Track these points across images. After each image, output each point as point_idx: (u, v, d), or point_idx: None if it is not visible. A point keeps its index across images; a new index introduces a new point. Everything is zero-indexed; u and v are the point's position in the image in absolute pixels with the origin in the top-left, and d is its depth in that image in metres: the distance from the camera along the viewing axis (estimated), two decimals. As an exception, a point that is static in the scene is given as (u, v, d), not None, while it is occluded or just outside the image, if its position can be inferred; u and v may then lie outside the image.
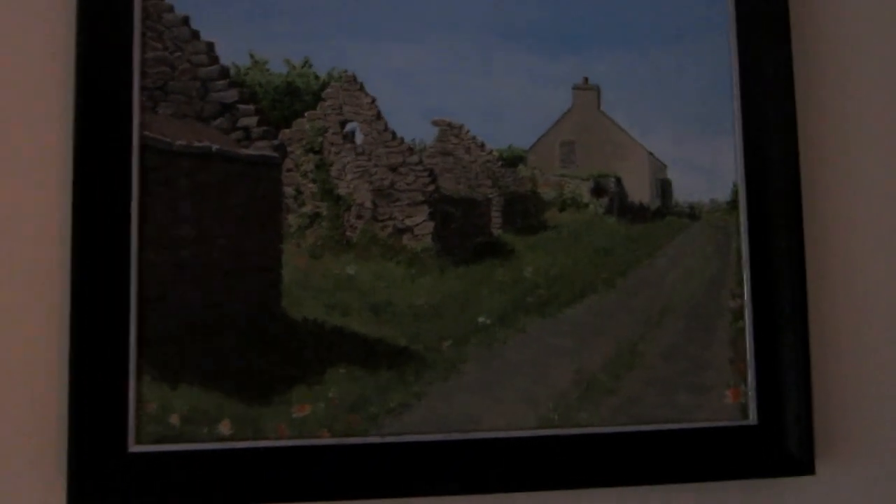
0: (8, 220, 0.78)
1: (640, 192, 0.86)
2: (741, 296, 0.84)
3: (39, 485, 0.76)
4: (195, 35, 0.83)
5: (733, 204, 0.85)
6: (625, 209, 0.86)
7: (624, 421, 0.81)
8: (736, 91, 0.86)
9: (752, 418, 0.83)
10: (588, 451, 0.80)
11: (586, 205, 0.85)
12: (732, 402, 0.83)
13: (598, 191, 0.85)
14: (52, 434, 0.76)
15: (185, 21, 0.82)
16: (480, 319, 0.81)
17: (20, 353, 0.77)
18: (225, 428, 0.77)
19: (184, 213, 0.79)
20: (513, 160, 0.84)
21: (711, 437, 0.82)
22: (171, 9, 0.82)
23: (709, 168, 0.85)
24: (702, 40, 0.86)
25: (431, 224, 0.82)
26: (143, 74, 0.81)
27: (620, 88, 0.85)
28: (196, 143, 0.80)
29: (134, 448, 0.76)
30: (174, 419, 0.77)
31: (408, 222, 0.82)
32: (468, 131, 0.83)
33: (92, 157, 0.78)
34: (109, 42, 0.80)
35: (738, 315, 0.84)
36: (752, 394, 0.83)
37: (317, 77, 0.83)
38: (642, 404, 0.81)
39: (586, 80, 0.85)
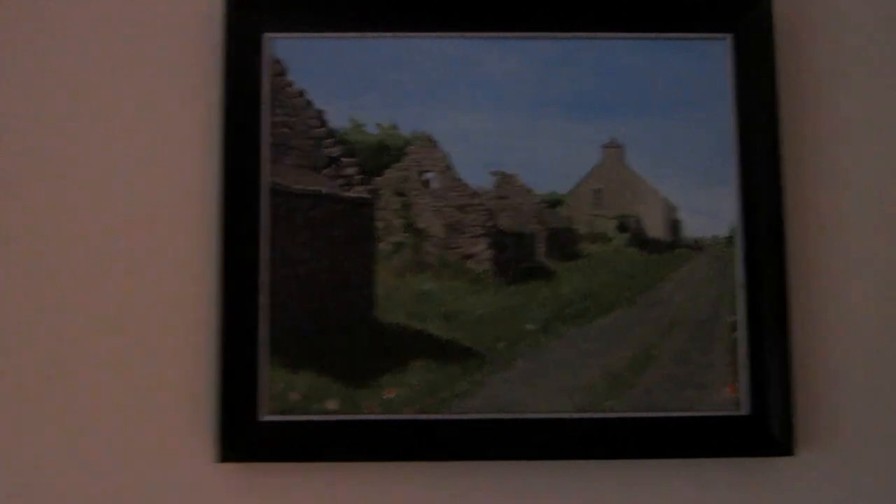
0: (174, 248, 1.13)
1: (655, 228, 1.18)
2: (736, 312, 1.15)
3: (195, 445, 1.10)
4: (309, 104, 1.18)
5: (730, 239, 1.16)
6: (643, 242, 1.18)
7: (641, 408, 1.12)
8: (734, 149, 1.18)
9: (745, 409, 1.13)
10: (612, 431, 1.11)
11: (612, 238, 1.18)
12: (730, 395, 1.14)
13: (622, 227, 1.18)
14: (205, 407, 1.10)
15: (301, 94, 1.18)
16: (528, 326, 1.14)
17: (184, 348, 1.11)
18: (332, 404, 1.11)
19: (300, 240, 1.14)
20: (554, 203, 1.17)
21: (711, 424, 1.12)
22: (290, 84, 1.18)
23: (711, 210, 1.17)
24: (707, 108, 1.18)
25: (490, 252, 1.16)
26: (271, 134, 1.16)
27: (641, 146, 1.18)
28: (310, 188, 1.16)
29: (264, 417, 1.10)
30: (295, 396, 1.11)
31: (471, 250, 1.16)
32: (519, 180, 1.17)
33: (234, 198, 1.13)
34: (246, 111, 1.15)
35: (734, 327, 1.15)
36: (744, 390, 1.14)
37: (401, 137, 1.18)
38: (656, 396, 1.13)
39: (613, 140, 1.18)
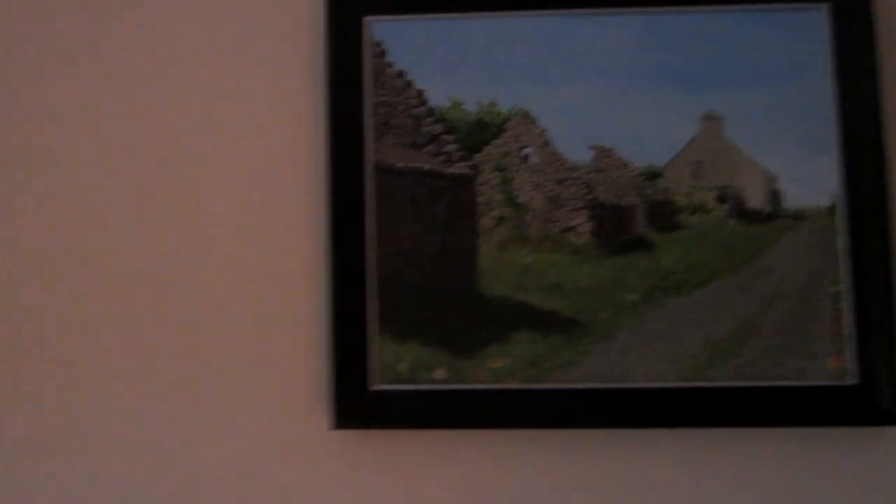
0: (286, 226, 1.20)
1: (755, 199, 1.20)
2: (840, 283, 1.17)
3: (312, 414, 1.17)
4: (409, 84, 1.23)
5: (832, 209, 1.18)
6: (743, 213, 1.20)
7: (744, 378, 1.15)
8: (835, 118, 1.19)
9: (851, 379, 1.15)
10: (715, 400, 1.14)
11: (712, 210, 1.20)
12: (835, 366, 1.16)
13: (721, 199, 1.21)
14: (320, 378, 1.16)
15: (401, 74, 1.23)
16: (629, 297, 1.18)
17: (298, 322, 1.17)
18: (439, 374, 1.16)
19: (405, 216, 1.19)
20: (652, 175, 1.20)
21: (817, 394, 1.14)
22: (391, 65, 1.23)
23: (812, 180, 1.19)
24: (806, 78, 1.20)
25: (590, 224, 1.20)
26: (373, 115, 1.22)
27: (739, 117, 1.20)
28: (412, 165, 1.21)
29: (374, 387, 1.16)
30: (403, 367, 1.17)
31: (571, 223, 1.20)
32: (616, 153, 1.20)
33: (340, 176, 1.19)
34: (349, 93, 1.21)
35: (837, 298, 1.17)
36: (851, 359, 1.15)
37: (500, 114, 1.22)
38: (759, 366, 1.15)
39: (711, 111, 1.21)
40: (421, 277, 1.14)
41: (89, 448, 1.16)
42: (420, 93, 1.18)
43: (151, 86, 1.20)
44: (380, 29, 1.17)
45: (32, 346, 1.17)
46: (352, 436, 1.12)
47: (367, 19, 1.17)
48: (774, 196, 1.15)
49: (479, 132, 1.18)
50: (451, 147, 1.17)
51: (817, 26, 1.15)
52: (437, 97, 1.18)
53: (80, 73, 1.21)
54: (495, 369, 1.12)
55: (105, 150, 1.20)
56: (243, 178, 1.18)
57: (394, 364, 1.12)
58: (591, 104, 1.17)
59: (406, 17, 1.18)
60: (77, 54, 1.22)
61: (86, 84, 1.21)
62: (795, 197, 1.15)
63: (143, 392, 1.16)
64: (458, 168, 1.16)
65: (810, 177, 1.14)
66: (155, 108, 1.20)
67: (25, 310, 1.18)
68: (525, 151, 1.17)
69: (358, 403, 1.11)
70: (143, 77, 1.21)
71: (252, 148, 1.18)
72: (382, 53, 1.18)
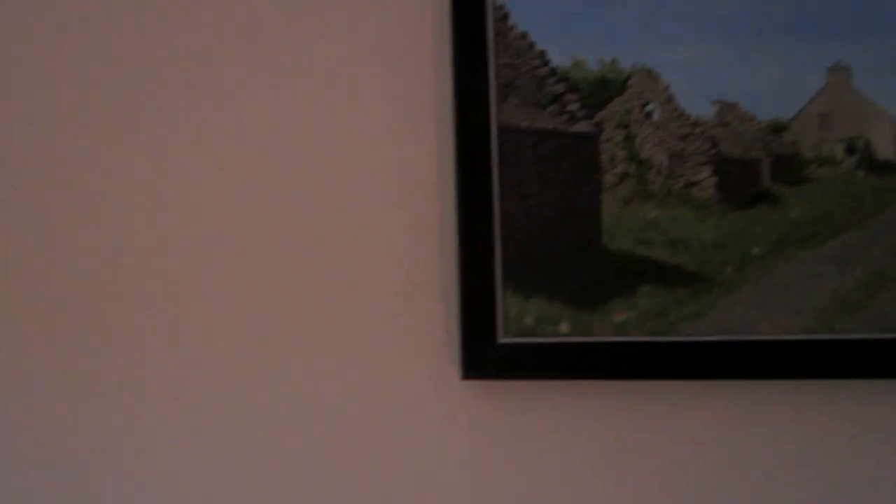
0: (416, 183, 1.27)
1: (885, 150, 1.20)
2: None
3: (442, 365, 1.24)
4: (531, 46, 1.27)
5: None
6: (872, 165, 1.20)
7: (874, 330, 1.16)
8: (971, 64, 1.17)
9: None
10: (842, 352, 1.16)
11: (840, 162, 1.20)
12: None
13: (850, 150, 1.21)
14: (450, 330, 1.23)
15: (523, 36, 1.28)
16: (755, 251, 1.20)
17: (429, 277, 1.25)
18: (564, 327, 1.22)
19: (528, 174, 1.24)
20: (778, 128, 1.21)
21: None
22: (513, 28, 1.27)
23: None
24: (939, 23, 1.18)
25: (714, 179, 1.22)
26: (497, 76, 1.27)
27: (868, 67, 1.19)
28: (536, 125, 1.26)
29: (502, 339, 1.22)
30: (528, 320, 1.22)
31: (695, 178, 1.23)
32: (741, 107, 1.22)
33: (467, 137, 1.25)
34: (473, 55, 1.26)
35: None
36: None
37: (622, 71, 1.25)
38: (888, 318, 1.16)
39: (838, 62, 1.20)
40: (545, 234, 1.19)
41: (224, 406, 1.27)
42: (542, 53, 1.22)
43: (279, 43, 1.28)
44: (501, -8, 1.22)
45: (189, 329, 1.29)
46: (480, 386, 1.19)
47: (490, -17, 1.21)
48: (906, 147, 1.14)
49: (602, 90, 1.22)
50: (574, 106, 1.21)
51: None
52: (559, 57, 1.22)
53: (202, 66, 1.31)
54: (619, 323, 1.17)
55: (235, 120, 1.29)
56: (374, 139, 1.25)
57: (519, 318, 1.18)
58: (714, 59, 1.18)
59: (527, -22, 1.22)
60: (193, 49, 1.31)
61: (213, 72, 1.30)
62: (929, 148, 1.14)
63: (275, 342, 1.26)
64: (581, 126, 1.20)
65: (945, 126, 1.12)
66: (284, 71, 1.28)
67: (166, 285, 1.30)
68: (648, 108, 1.20)
69: (486, 355, 1.18)
70: (271, 37, 1.29)
71: (381, 111, 1.25)
72: (505, 17, 1.22)
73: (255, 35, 1.31)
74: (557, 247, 1.19)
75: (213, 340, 1.29)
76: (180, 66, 1.34)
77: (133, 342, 1.33)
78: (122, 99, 1.35)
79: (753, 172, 1.18)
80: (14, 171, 1.40)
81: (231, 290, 1.29)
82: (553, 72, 1.21)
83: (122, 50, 1.36)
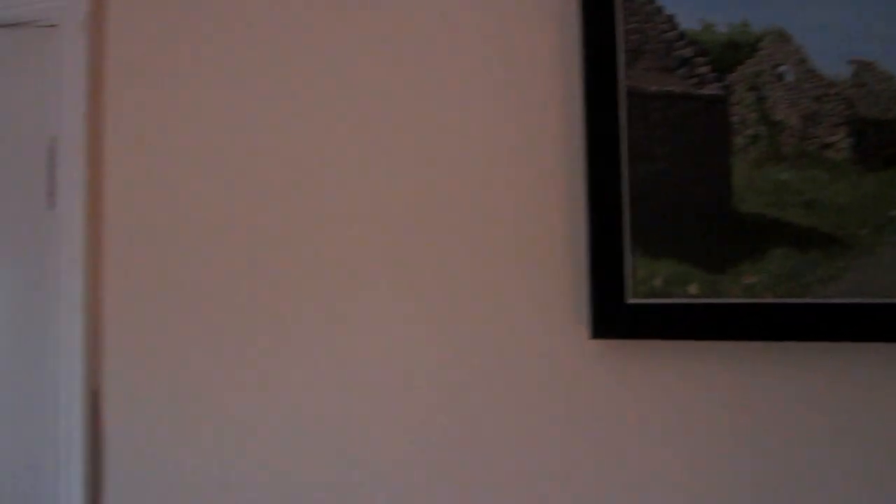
0: (547, 147, 1.31)
1: None
2: None
3: (573, 325, 1.29)
4: (659, 10, 1.29)
5: None
6: None
7: None
8: None
9: None
10: None
11: None
12: None
13: None
14: (581, 291, 1.28)
15: (651, 1, 1.30)
16: (891, 213, 1.19)
17: (560, 239, 1.29)
18: (693, 289, 1.24)
19: (657, 138, 1.27)
20: None
21: None
22: None
23: None
24: None
25: (849, 140, 1.22)
26: (625, 41, 1.29)
27: None
28: (664, 88, 1.28)
29: (630, 300, 1.25)
30: (657, 282, 1.25)
31: (830, 139, 1.23)
32: (879, 66, 1.21)
33: (595, 101, 1.27)
34: (601, 21, 1.29)
35: None
36: None
37: (752, 33, 1.26)
38: None
39: None
40: (674, 196, 1.21)
41: (370, 366, 1.35)
42: (670, 18, 1.24)
43: (420, 25, 1.34)
44: (629, -43, 1.24)
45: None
46: (608, 345, 1.23)
47: (617, -51, 1.24)
48: None
49: (731, 53, 1.23)
50: (703, 69, 1.23)
51: None
52: (688, 21, 1.23)
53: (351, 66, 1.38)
54: (749, 284, 1.18)
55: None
56: (503, 105, 1.29)
57: (648, 279, 1.21)
58: (849, 18, 1.17)
59: (653, -57, 1.23)
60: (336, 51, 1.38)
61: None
62: None
63: (414, 306, 1.32)
64: (710, 89, 1.22)
65: None
66: (421, 48, 1.34)
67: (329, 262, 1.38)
68: (780, 69, 1.20)
69: (615, 315, 1.21)
70: (414, 20, 1.35)
71: (508, 77, 1.29)
72: (632, -19, 1.24)
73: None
74: (686, 209, 1.21)
75: (359, 308, 1.37)
76: (343, 70, 1.41)
77: (294, 317, 1.43)
78: (289, 99, 1.44)
79: (891, 133, 1.17)
80: (194, 166, 1.51)
81: (376, 262, 1.37)
82: (681, 35, 1.23)
83: (284, 61, 1.44)
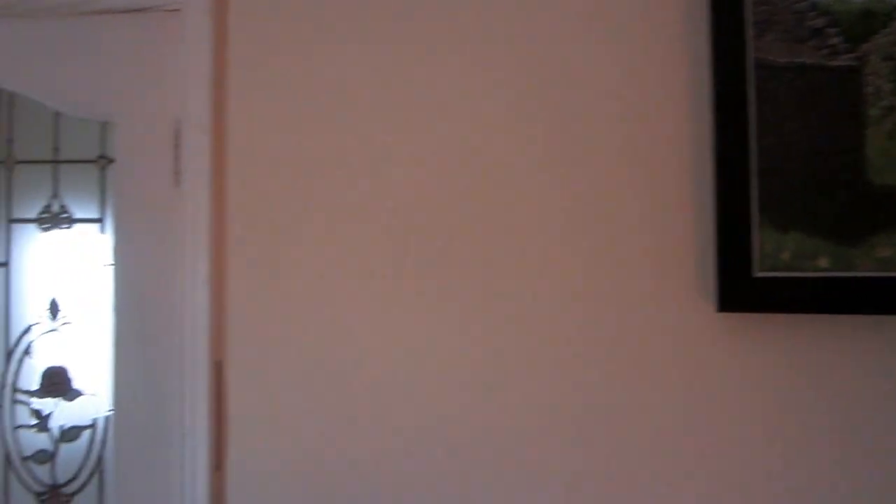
0: (672, 121, 1.32)
1: None
2: None
3: (699, 298, 1.29)
4: (788, -20, 1.29)
5: None
6: None
7: None
8: None
9: None
10: None
11: None
12: None
13: None
14: (707, 265, 1.29)
15: (780, -30, 1.29)
16: None
17: (687, 212, 1.30)
18: (822, 262, 1.24)
19: (786, 110, 1.26)
20: None
21: None
22: None
23: None
24: None
25: None
26: (753, 13, 1.29)
27: None
28: (795, 60, 1.27)
29: (757, 274, 1.26)
30: (785, 255, 1.25)
31: (971, 110, 1.20)
32: None
33: (723, 73, 1.28)
34: (727, -6, 1.29)
35: None
36: None
37: (889, 2, 1.24)
38: None
39: None
40: (803, 169, 1.21)
41: (505, 343, 1.39)
42: (800, -13, 1.23)
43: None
44: (756, -73, 1.24)
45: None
46: (735, 319, 1.24)
47: (743, -80, 1.24)
48: None
49: (866, 22, 1.22)
50: (835, 40, 1.22)
51: None
52: (820, -10, 1.22)
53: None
54: (883, 258, 1.18)
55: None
56: (633, 73, 1.31)
57: (775, 252, 1.22)
58: None
59: (783, -88, 1.23)
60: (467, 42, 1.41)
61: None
62: None
63: (546, 279, 1.36)
64: (842, 60, 1.21)
65: None
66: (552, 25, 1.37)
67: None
68: (917, 39, 1.19)
69: (742, 289, 1.22)
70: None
71: (640, 45, 1.31)
72: (760, -48, 1.24)
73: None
74: (817, 181, 1.21)
75: (488, 284, 1.41)
76: (488, 73, 1.45)
77: (418, 292, 1.48)
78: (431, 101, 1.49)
79: None
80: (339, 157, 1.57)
81: (511, 237, 1.40)
82: (813, 6, 1.23)
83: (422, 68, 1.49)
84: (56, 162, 1.70)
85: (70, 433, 1.68)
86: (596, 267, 1.31)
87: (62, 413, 1.68)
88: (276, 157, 1.52)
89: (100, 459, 1.66)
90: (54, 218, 1.69)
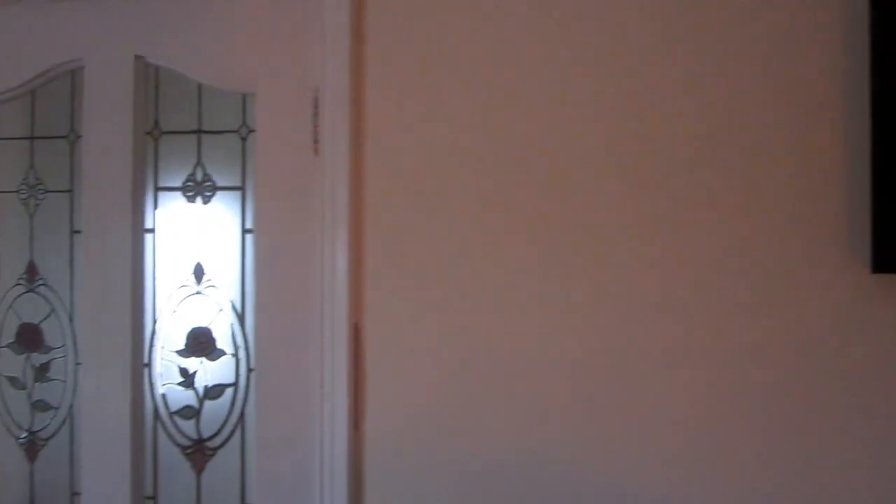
0: (827, 63, 1.33)
1: None
2: None
3: (852, 261, 1.32)
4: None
5: None
6: None
7: None
8: None
9: None
10: None
11: None
12: None
13: None
14: (861, 228, 1.31)
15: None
16: None
17: (843, 174, 1.32)
18: None
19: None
20: None
21: None
22: None
23: None
24: None
25: None
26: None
27: None
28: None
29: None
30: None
31: None
32: None
33: (882, 27, 1.28)
34: None
35: None
36: None
37: None
38: None
39: None
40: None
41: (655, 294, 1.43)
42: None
43: None
44: None
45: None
46: (890, 280, 1.25)
47: None
48: None
49: None
50: None
51: None
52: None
53: None
54: None
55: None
56: (787, 42, 1.33)
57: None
58: None
59: None
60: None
61: None
62: None
63: (701, 238, 1.40)
64: None
65: None
66: None
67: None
68: None
69: (896, 250, 1.23)
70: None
71: (791, 13, 1.32)
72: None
73: None
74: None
75: (636, 248, 1.46)
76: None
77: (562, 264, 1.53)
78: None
79: None
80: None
81: (650, 204, 1.45)
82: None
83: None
84: (199, 132, 1.79)
85: (214, 390, 1.78)
86: (750, 230, 1.34)
87: (206, 371, 1.78)
88: (414, 127, 1.57)
89: (242, 415, 1.76)
90: (198, 186, 1.79)
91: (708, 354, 1.36)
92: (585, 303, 1.46)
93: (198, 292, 1.78)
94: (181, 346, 1.79)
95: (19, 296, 1.90)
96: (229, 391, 1.76)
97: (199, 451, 1.79)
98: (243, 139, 1.75)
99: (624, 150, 1.43)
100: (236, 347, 1.75)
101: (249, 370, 1.74)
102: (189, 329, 1.78)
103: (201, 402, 1.78)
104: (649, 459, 1.42)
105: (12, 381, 1.91)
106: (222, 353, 1.77)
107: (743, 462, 1.35)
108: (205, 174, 1.78)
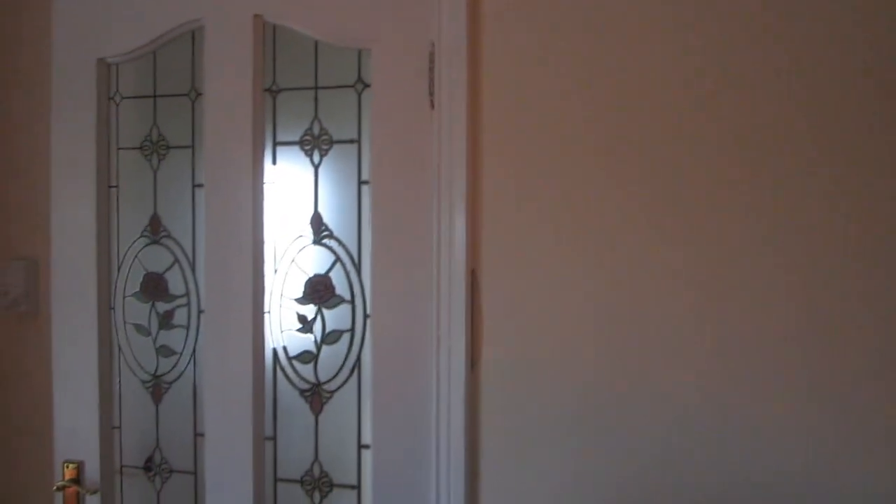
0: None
1: None
2: None
3: None
4: None
5: None
6: None
7: None
8: None
9: None
10: None
11: None
12: None
13: None
14: None
15: None
16: None
17: None
18: None
19: None
20: None
21: None
22: None
23: None
24: None
25: None
26: None
27: None
28: None
29: None
30: None
31: None
32: None
33: None
34: None
35: None
36: None
37: None
38: None
39: None
40: None
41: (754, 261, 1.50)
42: None
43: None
44: None
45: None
46: None
47: None
48: None
49: None
50: None
51: None
52: None
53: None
54: None
55: None
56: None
57: None
58: None
59: None
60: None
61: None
62: None
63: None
64: None
65: None
66: None
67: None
68: None
69: None
70: None
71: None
72: None
73: None
74: None
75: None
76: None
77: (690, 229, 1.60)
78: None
79: None
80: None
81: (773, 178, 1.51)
82: None
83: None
84: (316, 88, 1.88)
85: (331, 336, 1.90)
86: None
87: (324, 317, 1.89)
88: (531, 81, 1.65)
89: (358, 360, 1.87)
90: (315, 140, 1.89)
91: (803, 320, 1.45)
92: (699, 256, 1.53)
93: (315, 242, 1.88)
94: (299, 293, 1.90)
95: (144, 247, 2.01)
96: (346, 336, 1.87)
97: (316, 394, 1.90)
98: (359, 94, 1.83)
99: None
100: (353, 295, 1.85)
101: (366, 316, 1.84)
102: (307, 278, 1.88)
103: (319, 346, 1.89)
104: (772, 404, 1.50)
105: (138, 328, 2.03)
106: (339, 300, 1.87)
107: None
108: (322, 128, 1.87)
